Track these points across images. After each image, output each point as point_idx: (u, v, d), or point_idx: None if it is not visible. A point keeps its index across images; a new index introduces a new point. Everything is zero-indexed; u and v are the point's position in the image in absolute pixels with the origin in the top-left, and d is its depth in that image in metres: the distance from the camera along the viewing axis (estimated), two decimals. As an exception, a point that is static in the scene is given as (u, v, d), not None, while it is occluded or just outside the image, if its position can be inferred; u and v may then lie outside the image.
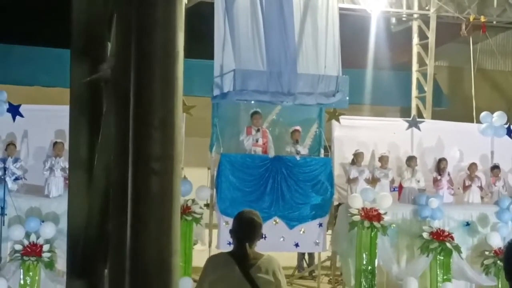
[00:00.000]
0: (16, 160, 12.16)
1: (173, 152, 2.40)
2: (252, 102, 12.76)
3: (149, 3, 2.27)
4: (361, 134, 13.98)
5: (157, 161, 2.35)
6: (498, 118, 14.62)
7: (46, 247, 10.96)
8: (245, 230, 4.72)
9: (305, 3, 12.76)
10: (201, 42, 14.06)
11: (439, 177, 13.74)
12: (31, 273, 10.89)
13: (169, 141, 2.38)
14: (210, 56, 12.56)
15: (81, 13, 2.63)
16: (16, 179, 12.12)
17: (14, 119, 12.55)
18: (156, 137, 2.35)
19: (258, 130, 12.72)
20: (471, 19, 18.29)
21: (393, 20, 20.18)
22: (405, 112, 19.37)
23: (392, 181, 13.72)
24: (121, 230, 2.39)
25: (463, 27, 18.36)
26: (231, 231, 4.84)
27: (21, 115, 12.60)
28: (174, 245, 2.35)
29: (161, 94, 2.31)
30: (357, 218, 12.23)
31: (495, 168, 14.15)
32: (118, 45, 2.39)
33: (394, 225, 12.51)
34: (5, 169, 11.87)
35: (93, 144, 2.68)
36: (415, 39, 19.35)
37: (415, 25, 19.36)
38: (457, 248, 12.50)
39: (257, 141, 12.72)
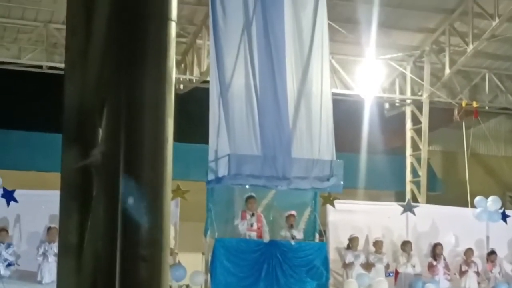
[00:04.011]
0: (8, 246, 12.08)
1: (162, 238, 2.40)
2: (247, 186, 12.76)
3: (138, 89, 2.31)
4: (356, 219, 13.94)
5: (145, 247, 2.36)
6: (493, 202, 14.60)
7: (37, 334, 10.80)
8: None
9: (299, 89, 12.89)
10: (196, 127, 14.17)
11: (434, 263, 13.63)
12: None
13: (158, 227, 2.39)
14: (206, 141, 12.62)
15: (73, 99, 2.67)
16: (9, 265, 12.00)
17: (8, 204, 12.48)
18: (145, 223, 2.36)
19: (253, 215, 12.71)
20: (463, 105, 18.51)
21: (387, 105, 20.41)
22: (399, 196, 19.34)
23: (387, 266, 13.60)
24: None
25: (456, 112, 18.56)
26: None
27: (16, 200, 12.54)
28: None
29: (149, 180, 2.34)
30: (353, 304, 12.10)
31: (492, 253, 14.04)
32: (107, 131, 2.43)
33: (390, 311, 12.37)
34: (-3, 255, 11.79)
35: (83, 230, 2.69)
36: (409, 124, 19.54)
37: (408, 110, 19.58)
38: (455, 335, 12.34)
39: (251, 225, 12.69)
